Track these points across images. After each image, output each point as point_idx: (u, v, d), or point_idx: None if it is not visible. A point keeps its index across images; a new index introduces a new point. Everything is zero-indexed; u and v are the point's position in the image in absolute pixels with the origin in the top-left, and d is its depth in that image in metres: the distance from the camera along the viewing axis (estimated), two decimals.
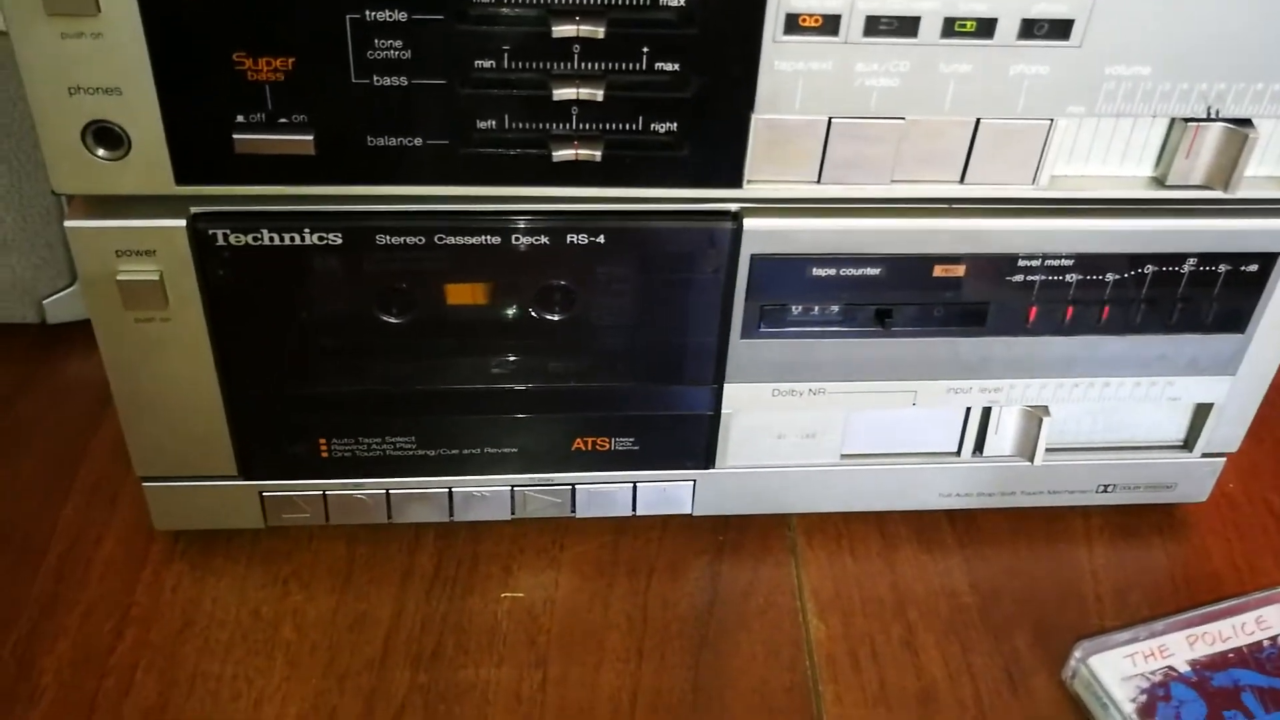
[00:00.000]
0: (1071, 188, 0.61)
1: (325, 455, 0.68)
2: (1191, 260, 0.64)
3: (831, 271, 0.62)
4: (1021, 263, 0.63)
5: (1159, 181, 0.61)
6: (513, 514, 0.69)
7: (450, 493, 0.70)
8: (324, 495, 0.70)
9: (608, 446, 0.68)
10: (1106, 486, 0.74)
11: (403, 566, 0.72)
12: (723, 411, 0.67)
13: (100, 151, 0.54)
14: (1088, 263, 0.64)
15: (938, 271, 0.63)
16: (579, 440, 0.67)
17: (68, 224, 0.56)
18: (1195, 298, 0.65)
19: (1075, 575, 0.74)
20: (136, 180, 0.55)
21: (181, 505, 0.67)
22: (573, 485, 0.67)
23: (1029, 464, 0.72)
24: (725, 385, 0.66)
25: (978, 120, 0.57)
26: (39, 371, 0.76)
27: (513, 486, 0.67)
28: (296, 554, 0.69)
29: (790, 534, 0.73)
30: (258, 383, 0.63)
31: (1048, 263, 0.63)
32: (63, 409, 0.74)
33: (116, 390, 0.62)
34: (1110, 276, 0.64)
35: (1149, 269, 0.64)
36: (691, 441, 0.66)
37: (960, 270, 0.63)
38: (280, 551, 0.72)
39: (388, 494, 0.70)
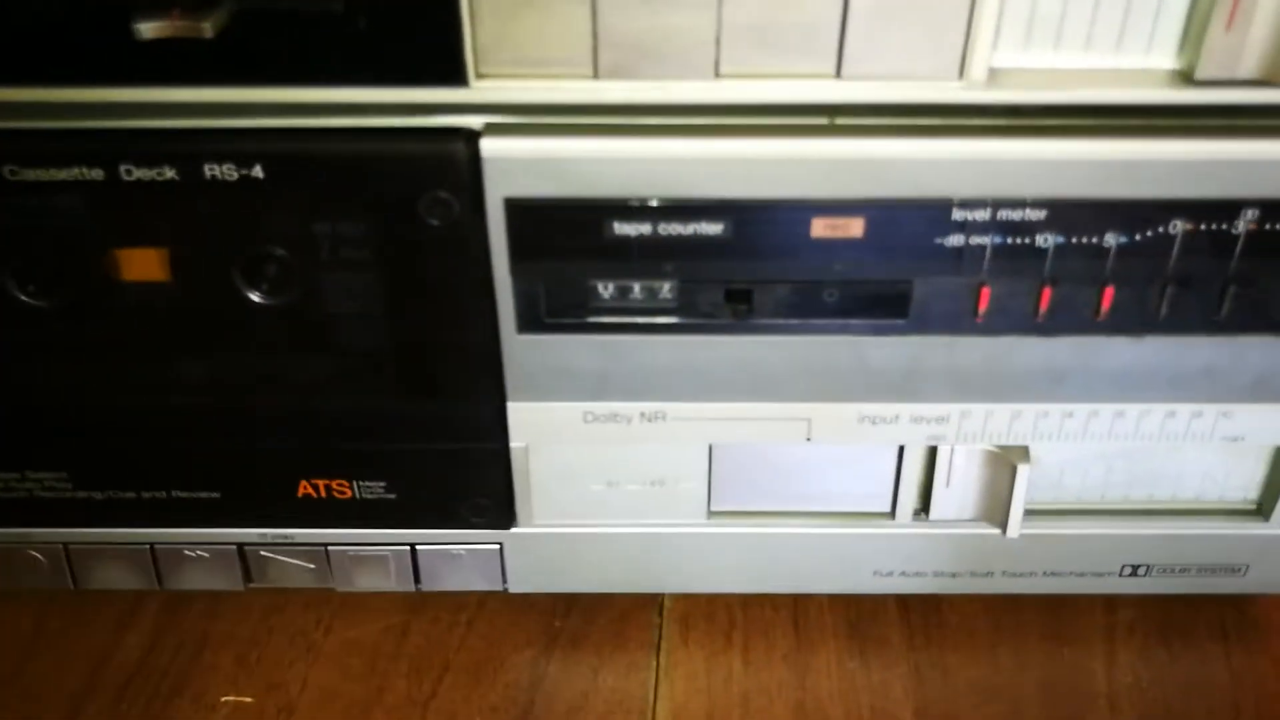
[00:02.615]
0: (1029, 86, 0.36)
1: None
2: (1250, 212, 0.38)
3: (641, 229, 0.39)
4: (959, 214, 0.39)
5: (1185, 76, 0.36)
6: (248, 582, 0.50)
7: (152, 550, 0.49)
8: None
9: (349, 493, 0.46)
10: (1135, 568, 0.48)
11: (99, 650, 0.51)
12: (511, 444, 0.44)
13: None
14: (1072, 215, 0.38)
15: (819, 229, 0.39)
16: (304, 483, 0.45)
17: None
18: (1257, 276, 0.39)
19: (1083, 699, 0.48)
20: None
21: None
22: (325, 546, 0.48)
23: (999, 534, 0.46)
24: (509, 404, 0.43)
25: None
26: None
27: (240, 545, 0.44)
28: None
29: (658, 621, 0.49)
30: None
31: (1003, 215, 0.39)
32: None
33: None
34: (1111, 239, 0.39)
35: (1177, 226, 0.38)
36: (471, 487, 0.43)
37: (856, 227, 0.39)
38: None
39: (65, 550, 0.49)
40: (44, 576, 0.51)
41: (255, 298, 0.42)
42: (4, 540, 0.50)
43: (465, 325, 0.42)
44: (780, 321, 0.42)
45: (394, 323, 0.42)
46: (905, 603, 0.53)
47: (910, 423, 0.44)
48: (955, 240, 0.40)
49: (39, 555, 0.50)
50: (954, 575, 0.50)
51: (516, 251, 0.40)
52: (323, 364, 0.43)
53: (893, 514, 0.48)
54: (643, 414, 0.44)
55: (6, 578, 0.51)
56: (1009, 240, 0.40)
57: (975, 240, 0.40)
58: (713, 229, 0.40)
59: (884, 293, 0.41)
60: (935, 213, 0.39)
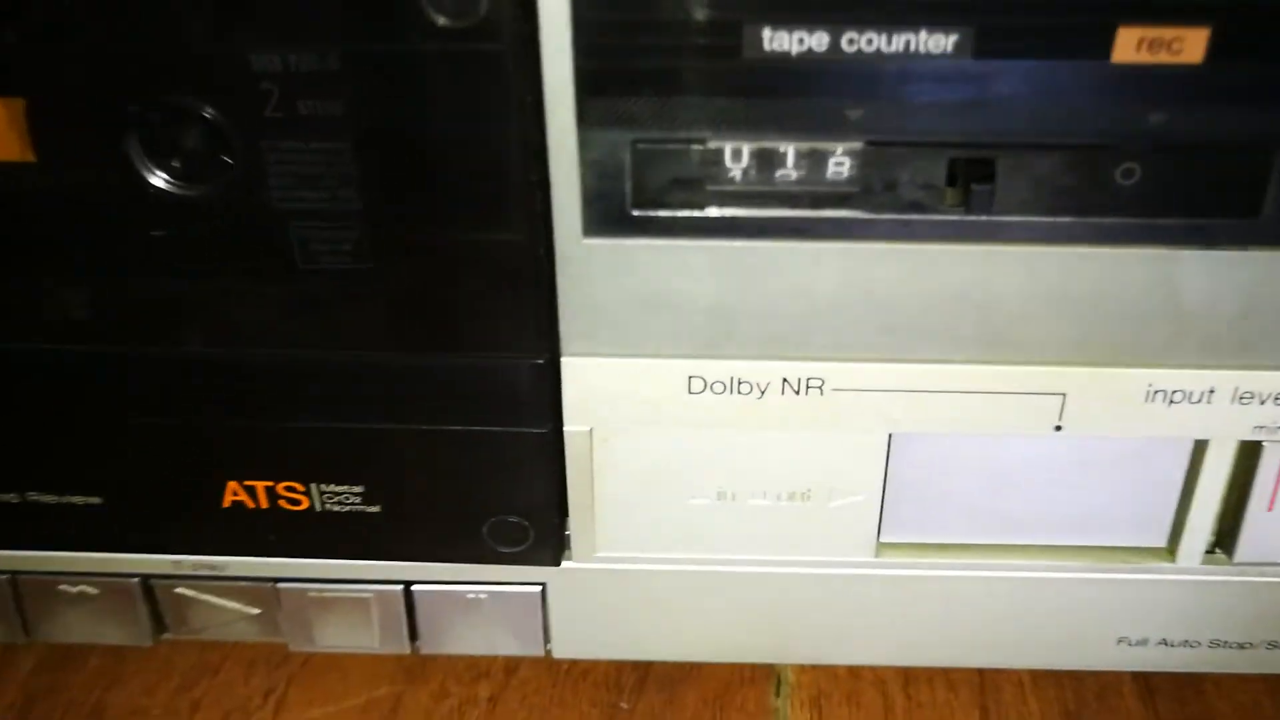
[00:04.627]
0: None
1: None
2: None
3: (809, 41, 0.21)
4: None
5: None
6: (160, 633, 0.35)
7: (13, 583, 0.32)
8: None
9: (305, 503, 0.29)
10: None
11: None
12: (566, 427, 0.26)
13: None
14: None
15: (1127, 46, 0.22)
16: (234, 486, 0.27)
17: None
18: None
19: None
20: None
21: None
22: (273, 582, 0.33)
23: None
24: (564, 360, 0.25)
25: None
26: None
27: (145, 578, 0.32)
28: None
29: (777, 703, 0.32)
30: None
31: None
32: None
33: None
34: None
35: None
36: (499, 497, 0.26)
37: (1193, 44, 0.21)
38: None
39: None
40: None
41: (161, 183, 0.27)
42: None
43: (494, 222, 0.24)
44: (1038, 220, 0.24)
45: (378, 220, 0.24)
46: (1148, 683, 0.35)
47: (1231, 402, 0.27)
48: None
49: None
50: (1243, 646, 0.32)
51: (588, 83, 0.22)
52: (264, 291, 0.26)
53: (1171, 551, 0.30)
54: (786, 380, 0.27)
55: None
56: None
57: None
58: (935, 44, 0.22)
59: (1225, 171, 0.23)
60: None
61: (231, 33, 0.25)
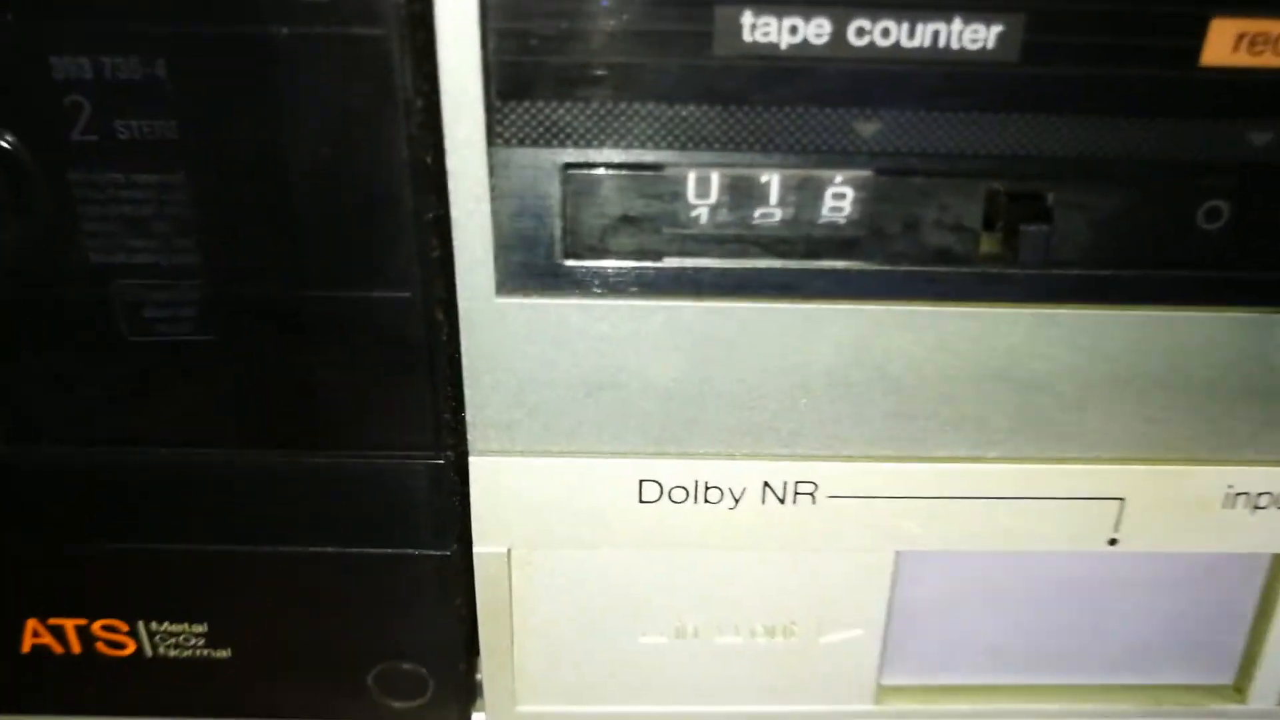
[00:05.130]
0: None
1: None
2: None
3: (803, 29, 0.15)
4: None
5: None
6: None
7: None
8: None
9: (130, 647, 0.21)
10: None
11: None
12: (476, 548, 0.19)
13: None
14: None
15: (1222, 44, 0.18)
16: (34, 625, 0.20)
17: None
18: None
19: None
20: None
21: None
22: None
23: None
24: (472, 461, 0.18)
25: None
26: None
27: None
28: None
29: None
30: None
31: None
32: None
33: None
34: None
35: None
36: (388, 637, 0.18)
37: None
38: None
39: None
40: None
41: None
42: None
43: (375, 275, 0.18)
44: (1099, 274, 0.18)
45: (224, 276, 0.18)
46: None
47: None
48: None
49: None
50: None
51: (503, 82, 0.16)
52: (75, 371, 0.21)
53: (1240, 689, 0.24)
54: (768, 485, 0.20)
55: None
56: None
57: None
58: (972, 38, 0.16)
59: None
60: None
61: (23, 26, 0.18)
